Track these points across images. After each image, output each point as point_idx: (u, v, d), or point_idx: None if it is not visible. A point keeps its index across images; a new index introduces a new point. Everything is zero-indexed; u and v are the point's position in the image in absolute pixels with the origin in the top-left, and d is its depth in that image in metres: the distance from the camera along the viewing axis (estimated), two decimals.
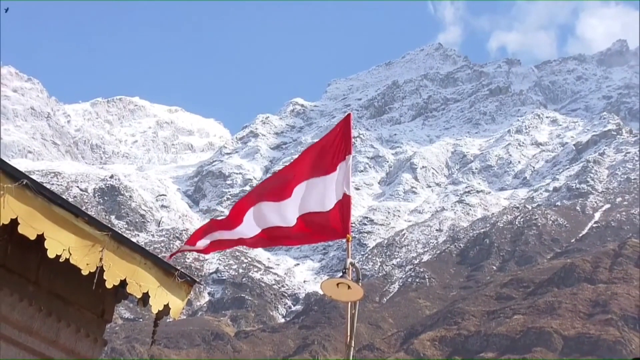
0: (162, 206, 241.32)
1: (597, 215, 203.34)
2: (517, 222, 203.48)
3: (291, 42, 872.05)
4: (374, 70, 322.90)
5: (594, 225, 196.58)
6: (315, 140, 14.43)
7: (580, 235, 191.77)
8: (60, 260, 5.49)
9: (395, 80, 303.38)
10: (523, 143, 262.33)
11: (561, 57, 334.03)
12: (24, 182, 5.33)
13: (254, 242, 13.52)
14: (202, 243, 13.29)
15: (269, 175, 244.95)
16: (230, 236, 13.22)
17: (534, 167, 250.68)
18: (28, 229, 5.34)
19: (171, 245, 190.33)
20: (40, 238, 5.41)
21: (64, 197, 5.71)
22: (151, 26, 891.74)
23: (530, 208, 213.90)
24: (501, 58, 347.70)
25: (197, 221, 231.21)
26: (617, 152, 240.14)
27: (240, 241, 13.38)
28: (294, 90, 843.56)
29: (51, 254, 5.43)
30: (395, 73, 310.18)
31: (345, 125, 14.13)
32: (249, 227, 13.25)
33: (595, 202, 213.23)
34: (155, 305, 5.88)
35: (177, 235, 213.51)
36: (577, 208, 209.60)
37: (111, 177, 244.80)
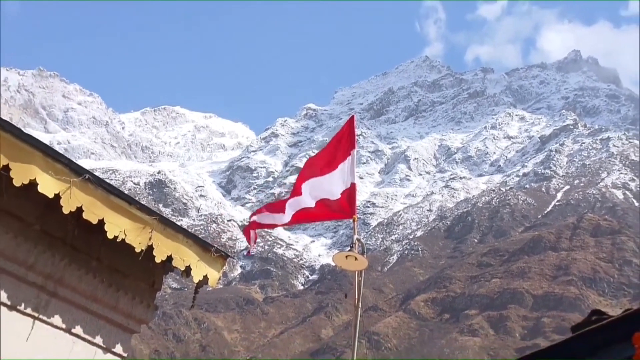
0: (201, 195, 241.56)
1: (559, 195, 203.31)
2: (493, 202, 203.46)
3: (303, 57, 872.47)
4: (372, 79, 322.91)
5: (557, 203, 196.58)
6: (326, 139, 14.51)
7: (546, 212, 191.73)
8: (118, 240, 5.51)
9: (390, 87, 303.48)
10: (497, 137, 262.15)
11: (526, 65, 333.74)
12: (87, 177, 5.36)
13: (290, 223, 13.72)
14: (260, 223, 13.57)
15: (287, 168, 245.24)
16: (276, 220, 13.45)
17: (506, 157, 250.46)
18: (91, 215, 5.36)
19: (209, 228, 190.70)
20: (101, 222, 5.43)
21: (120, 189, 5.76)
22: (188, 44, 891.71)
23: (504, 190, 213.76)
24: (477, 67, 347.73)
25: (229, 207, 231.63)
26: (575, 143, 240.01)
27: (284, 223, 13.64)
28: (307, 97, 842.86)
29: (110, 235, 5.45)
30: (390, 81, 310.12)
31: (349, 125, 14.24)
32: (287, 215, 13.44)
33: (557, 184, 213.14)
34: (196, 276, 5.90)
35: (213, 219, 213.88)
36: (543, 189, 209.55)
37: (158, 172, 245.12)
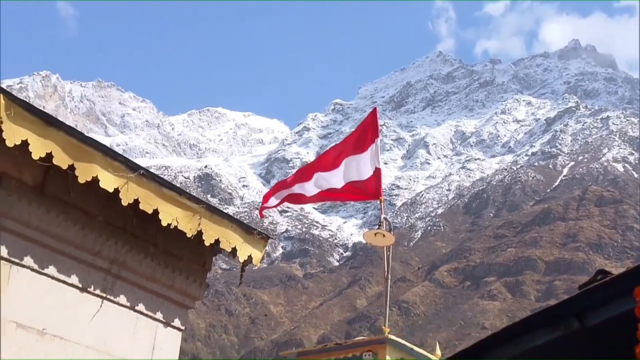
0: (244, 186, 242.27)
1: (565, 171, 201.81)
2: (506, 180, 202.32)
3: (327, 57, 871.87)
4: (392, 74, 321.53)
5: (563, 178, 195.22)
6: (352, 130, 14.47)
7: (553, 186, 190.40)
8: (171, 227, 5.55)
9: (408, 81, 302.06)
10: (507, 121, 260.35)
11: (530, 55, 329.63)
12: (141, 172, 5.41)
13: (312, 199, 13.59)
14: (275, 200, 13.46)
15: None
16: (296, 190, 13.32)
17: (516, 139, 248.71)
18: (146, 206, 5.41)
19: (252, 214, 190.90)
20: (156, 212, 5.47)
21: (171, 182, 5.81)
22: (225, 50, 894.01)
23: (515, 169, 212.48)
24: (486, 59, 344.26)
25: None
26: (577, 123, 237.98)
27: (302, 197, 13.47)
28: (334, 93, 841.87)
29: (164, 223, 5.50)
30: (408, 76, 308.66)
31: (373, 117, 14.19)
32: (309, 188, 13.32)
33: (563, 161, 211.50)
34: (241, 256, 5.93)
35: (255, 206, 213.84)
36: (550, 166, 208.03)
37: (205, 167, 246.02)
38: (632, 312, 2.57)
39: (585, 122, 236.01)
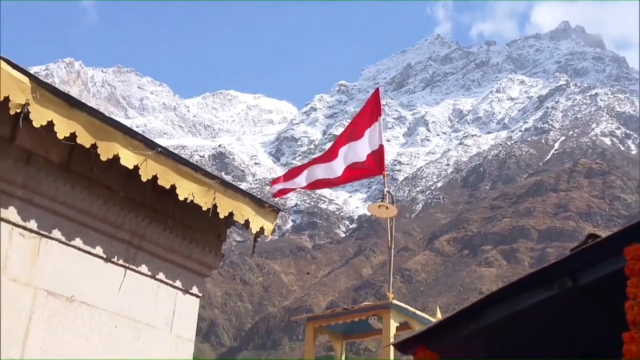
0: (255, 163, 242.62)
1: (556, 145, 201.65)
2: (501, 155, 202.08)
3: (332, 40, 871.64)
4: (393, 57, 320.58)
5: (554, 152, 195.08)
6: (357, 109, 14.46)
7: (546, 159, 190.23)
8: (188, 201, 5.55)
9: (409, 62, 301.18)
10: (501, 99, 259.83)
11: (523, 36, 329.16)
12: (159, 150, 5.41)
13: (314, 186, 13.59)
14: (288, 185, 13.46)
15: (326, 136, 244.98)
16: (292, 185, 13.34)
17: (510, 115, 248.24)
18: (164, 182, 5.41)
19: (263, 190, 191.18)
20: (173, 187, 5.47)
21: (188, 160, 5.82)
22: (235, 35, 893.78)
23: (509, 144, 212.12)
24: (481, 41, 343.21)
25: (280, 171, 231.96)
26: (567, 100, 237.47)
27: (310, 184, 13.47)
28: (339, 75, 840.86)
29: (181, 197, 5.49)
30: (409, 57, 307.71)
31: (375, 97, 14.16)
32: (309, 178, 13.32)
33: (554, 135, 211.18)
34: (254, 228, 5.93)
35: (266, 183, 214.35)
36: (542, 141, 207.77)
37: (219, 146, 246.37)
38: (622, 271, 2.58)
39: (575, 99, 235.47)
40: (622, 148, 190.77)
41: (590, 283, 2.48)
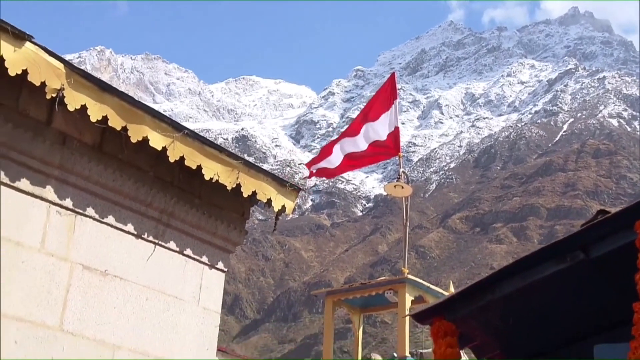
0: (276, 145, 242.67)
1: (565, 127, 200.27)
2: (511, 136, 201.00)
3: (351, 28, 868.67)
4: (408, 42, 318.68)
5: (563, 133, 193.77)
6: (373, 94, 14.39)
7: (555, 140, 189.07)
8: (213, 181, 5.57)
9: (423, 48, 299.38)
10: (512, 83, 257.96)
11: (533, 22, 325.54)
12: (186, 132, 5.43)
13: (340, 169, 13.55)
14: (317, 167, 13.45)
15: (343, 119, 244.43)
16: (327, 165, 13.31)
17: (520, 99, 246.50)
18: (191, 162, 5.43)
19: (284, 170, 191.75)
20: (199, 167, 5.50)
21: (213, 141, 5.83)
22: (255, 22, 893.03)
23: (520, 126, 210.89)
24: (493, 27, 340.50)
25: (299, 154, 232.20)
26: (576, 83, 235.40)
27: (333, 170, 13.43)
28: (356, 60, 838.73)
29: (207, 177, 5.52)
30: (423, 43, 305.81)
31: (391, 81, 14.10)
32: (336, 156, 13.29)
33: (563, 118, 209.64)
34: (276, 206, 5.94)
35: (287, 164, 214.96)
36: (552, 123, 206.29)
37: (242, 129, 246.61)
38: (633, 244, 2.57)
39: (584, 82, 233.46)
40: (629, 129, 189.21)
41: (601, 256, 2.47)
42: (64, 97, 4.74)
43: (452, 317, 2.73)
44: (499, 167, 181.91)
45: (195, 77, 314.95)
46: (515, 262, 2.46)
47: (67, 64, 4.79)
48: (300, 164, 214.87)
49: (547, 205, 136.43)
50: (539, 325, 2.51)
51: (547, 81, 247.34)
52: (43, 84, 4.65)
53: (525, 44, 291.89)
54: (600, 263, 2.50)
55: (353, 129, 13.47)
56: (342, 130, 14.64)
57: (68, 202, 5.06)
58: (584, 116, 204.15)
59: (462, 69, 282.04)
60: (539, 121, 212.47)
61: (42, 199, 4.94)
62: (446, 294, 13.49)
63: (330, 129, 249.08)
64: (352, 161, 13.41)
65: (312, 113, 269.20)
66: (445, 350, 2.73)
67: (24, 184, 4.85)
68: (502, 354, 2.61)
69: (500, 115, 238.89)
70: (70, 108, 4.81)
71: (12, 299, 4.65)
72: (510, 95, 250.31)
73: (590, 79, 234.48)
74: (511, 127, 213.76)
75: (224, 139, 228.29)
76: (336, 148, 13.14)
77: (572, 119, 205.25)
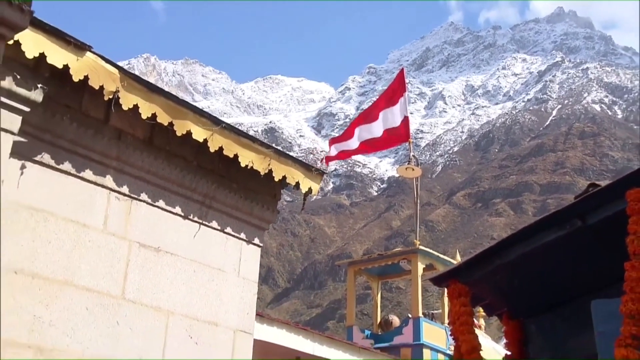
0: (300, 136, 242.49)
1: (554, 112, 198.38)
2: (507, 122, 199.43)
3: (363, 30, 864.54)
4: (414, 42, 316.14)
5: (553, 118, 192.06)
6: (384, 88, 14.31)
7: (545, 125, 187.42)
8: (248, 167, 5.57)
9: (427, 46, 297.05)
10: (507, 75, 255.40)
11: (524, 21, 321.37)
12: (223, 125, 5.44)
13: (358, 151, 13.48)
14: (335, 151, 13.39)
15: (359, 111, 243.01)
16: (346, 147, 13.24)
17: (514, 89, 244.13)
18: (229, 152, 5.45)
19: (308, 157, 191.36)
20: (236, 156, 5.50)
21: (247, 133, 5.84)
22: (278, 25, 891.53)
23: (514, 113, 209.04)
24: (488, 26, 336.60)
25: (321, 142, 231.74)
26: (563, 74, 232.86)
27: (351, 152, 13.36)
28: (369, 58, 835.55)
29: (243, 164, 5.53)
30: (427, 42, 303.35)
31: (400, 76, 14.01)
32: (354, 141, 13.22)
33: (552, 104, 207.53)
34: (303, 188, 5.95)
35: (310, 152, 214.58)
36: (542, 109, 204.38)
37: (270, 122, 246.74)
38: (624, 211, 2.57)
39: (569, 73, 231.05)
40: (610, 113, 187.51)
41: (596, 223, 2.46)
42: (119, 98, 4.79)
43: (465, 280, 2.74)
44: (496, 150, 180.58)
45: (228, 77, 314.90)
46: (522, 229, 2.47)
47: (121, 69, 4.84)
48: (322, 151, 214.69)
49: (540, 181, 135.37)
50: (541, 286, 2.51)
51: (537, 73, 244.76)
52: (101, 88, 4.71)
53: (517, 41, 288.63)
54: (596, 229, 2.49)
55: (370, 115, 13.39)
56: None
57: (125, 189, 5.12)
58: (570, 103, 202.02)
59: (463, 64, 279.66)
60: (531, 108, 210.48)
61: (103, 186, 4.99)
62: (453, 261, 13.48)
63: (348, 120, 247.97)
64: (368, 146, 13.37)
65: (331, 106, 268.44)
66: (459, 309, 2.74)
67: (87, 174, 4.92)
68: (508, 311, 2.62)
69: (497, 103, 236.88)
70: (125, 107, 4.86)
71: (82, 272, 4.74)
72: (505, 86, 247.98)
73: (575, 70, 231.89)
74: (507, 114, 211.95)
75: (254, 131, 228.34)
76: (356, 132, 13.09)
77: (560, 106, 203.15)
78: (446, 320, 13.27)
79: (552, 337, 2.52)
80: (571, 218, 2.38)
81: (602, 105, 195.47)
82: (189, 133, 5.19)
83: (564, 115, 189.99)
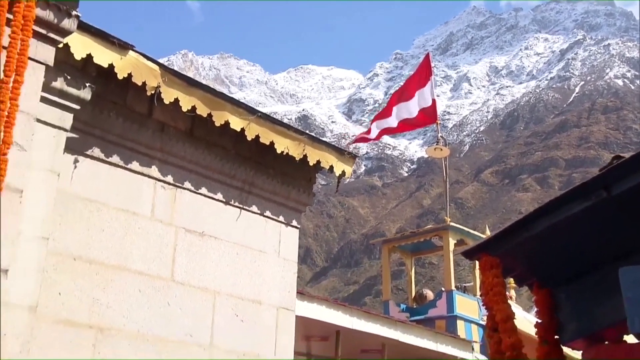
0: (332, 122, 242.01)
1: (577, 89, 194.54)
2: (531, 100, 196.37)
3: (390, 18, 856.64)
4: (438, 27, 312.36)
5: (576, 94, 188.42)
6: (411, 72, 14.18)
7: (569, 101, 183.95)
8: (284, 154, 5.59)
9: (451, 31, 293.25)
10: (529, 55, 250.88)
11: (545, 1, 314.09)
12: (259, 114, 5.46)
13: (395, 130, 13.41)
14: (371, 134, 13.34)
15: (387, 96, 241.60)
16: (386, 125, 13.17)
17: (537, 68, 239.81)
18: (265, 139, 5.49)
19: (340, 142, 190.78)
20: (272, 143, 5.53)
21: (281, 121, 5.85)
22: (309, 18, 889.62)
23: (538, 91, 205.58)
24: (510, 9, 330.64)
25: (351, 127, 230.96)
26: (585, 52, 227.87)
27: (389, 130, 13.30)
28: (395, 45, 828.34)
29: (279, 151, 5.57)
30: (451, 27, 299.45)
31: (426, 61, 13.88)
32: (393, 119, 13.16)
33: (575, 82, 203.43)
34: (337, 171, 5.96)
35: (342, 137, 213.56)
36: (565, 87, 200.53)
37: (302, 110, 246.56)
38: None
39: (591, 50, 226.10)
40: (632, 87, 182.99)
41: (621, 193, 2.40)
42: (161, 93, 4.85)
43: (496, 253, 2.72)
44: (521, 127, 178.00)
45: (262, 69, 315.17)
46: (549, 202, 2.43)
47: (162, 65, 4.89)
48: (353, 135, 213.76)
49: (565, 156, 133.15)
50: (568, 256, 2.47)
51: (559, 51, 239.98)
52: (144, 84, 4.77)
53: (539, 21, 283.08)
54: (621, 199, 2.43)
55: (405, 94, 13.29)
56: (386, 105, 14.48)
57: (169, 178, 5.19)
58: (592, 79, 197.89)
59: (486, 46, 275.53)
60: (554, 86, 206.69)
61: (149, 176, 5.07)
62: (483, 236, 13.38)
63: (377, 105, 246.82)
64: (405, 124, 13.32)
65: (360, 92, 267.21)
66: (492, 280, 2.74)
67: (134, 165, 5.00)
68: (538, 281, 2.60)
69: (520, 83, 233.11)
70: (166, 101, 4.92)
71: (134, 257, 4.85)
72: (528, 66, 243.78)
73: (597, 46, 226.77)
74: (530, 92, 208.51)
75: (288, 119, 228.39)
76: (394, 111, 13.04)
77: (582, 82, 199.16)
78: (478, 293, 13.20)
79: (581, 303, 2.51)
80: (596, 189, 2.34)
81: (625, 79, 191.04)
82: (227, 123, 5.23)
83: (587, 91, 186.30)
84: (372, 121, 13.47)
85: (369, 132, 13.24)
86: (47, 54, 3.78)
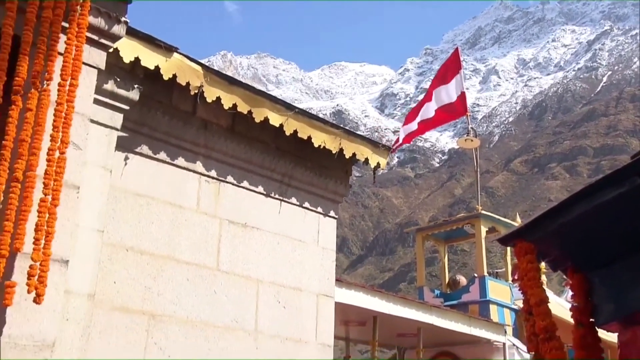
0: (365, 116, 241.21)
1: (604, 79, 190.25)
2: (559, 91, 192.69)
3: (419, 15, 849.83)
4: (466, 22, 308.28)
5: (604, 84, 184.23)
6: (440, 67, 14.00)
7: (597, 91, 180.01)
8: (321, 147, 5.59)
9: (479, 25, 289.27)
10: (557, 47, 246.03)
11: None
12: (297, 110, 5.46)
13: (417, 132, 13.28)
14: (404, 135, 13.25)
15: (418, 90, 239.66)
16: (409, 130, 13.06)
17: (565, 59, 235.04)
18: (303, 134, 5.50)
19: (373, 135, 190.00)
20: (309, 138, 5.53)
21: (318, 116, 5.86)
22: (344, 17, 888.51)
23: (565, 82, 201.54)
24: (537, 2, 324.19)
25: (384, 121, 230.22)
26: (612, 42, 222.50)
27: (418, 131, 13.16)
28: (425, 40, 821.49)
29: (316, 145, 5.57)
30: (479, 21, 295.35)
31: (455, 55, 13.71)
32: (414, 123, 13.06)
33: (602, 72, 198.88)
34: (372, 163, 5.93)
35: (375, 130, 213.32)
36: (593, 77, 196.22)
37: (337, 105, 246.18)
38: None
39: (618, 40, 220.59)
40: None
41: None
42: (204, 92, 4.90)
43: (530, 239, 2.68)
44: (550, 117, 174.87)
45: (297, 67, 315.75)
46: (583, 188, 2.37)
47: (204, 66, 4.93)
48: (385, 129, 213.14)
49: (593, 145, 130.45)
50: (602, 241, 2.41)
51: (586, 42, 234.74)
52: (188, 84, 4.83)
53: (565, 13, 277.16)
54: None
55: (427, 96, 13.23)
56: (418, 99, 14.43)
57: (213, 173, 5.24)
58: (620, 68, 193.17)
59: (514, 40, 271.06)
60: (581, 76, 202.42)
61: (194, 171, 5.13)
62: (514, 223, 13.20)
63: (408, 98, 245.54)
64: (424, 126, 13.19)
65: (392, 87, 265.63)
66: (527, 265, 2.70)
67: (180, 161, 5.06)
68: (572, 266, 2.54)
69: (548, 74, 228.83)
70: (209, 100, 4.96)
71: (181, 248, 4.91)
72: (556, 57, 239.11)
73: (624, 36, 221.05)
74: (558, 83, 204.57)
75: (323, 114, 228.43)
76: (420, 113, 12.94)
77: (610, 72, 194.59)
78: (509, 278, 13.04)
79: (615, 287, 2.46)
80: (630, 176, 2.26)
81: None
82: (266, 119, 5.25)
83: (615, 80, 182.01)
84: (404, 123, 13.33)
85: (400, 140, 13.15)
86: (99, 58, 3.87)
